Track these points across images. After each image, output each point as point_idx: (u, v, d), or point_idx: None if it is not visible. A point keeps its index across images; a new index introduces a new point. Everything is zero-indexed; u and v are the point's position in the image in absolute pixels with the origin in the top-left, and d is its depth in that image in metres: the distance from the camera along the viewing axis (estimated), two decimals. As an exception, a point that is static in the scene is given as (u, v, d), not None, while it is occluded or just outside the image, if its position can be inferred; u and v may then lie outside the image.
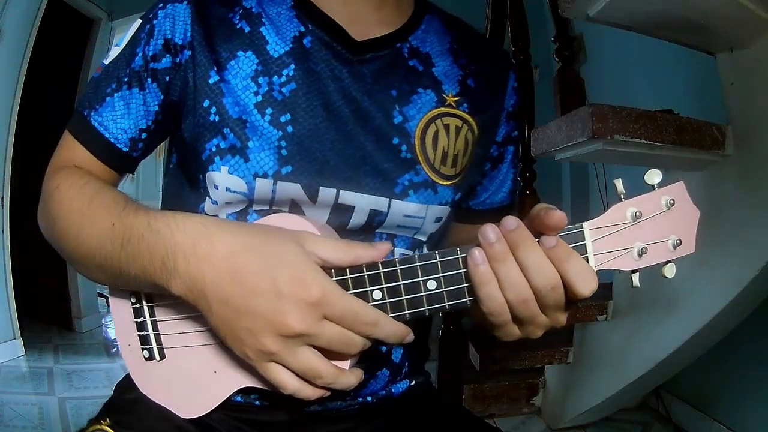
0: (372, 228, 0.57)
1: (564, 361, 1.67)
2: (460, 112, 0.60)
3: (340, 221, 0.56)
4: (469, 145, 0.60)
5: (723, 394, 1.61)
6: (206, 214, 0.56)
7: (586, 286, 0.41)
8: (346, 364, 0.45)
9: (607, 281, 1.58)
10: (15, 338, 2.60)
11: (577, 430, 1.72)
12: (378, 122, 0.56)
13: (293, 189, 0.54)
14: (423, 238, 0.60)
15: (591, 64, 2.37)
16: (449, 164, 0.58)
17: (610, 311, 1.50)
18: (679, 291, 1.27)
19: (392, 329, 0.44)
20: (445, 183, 0.58)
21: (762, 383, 1.47)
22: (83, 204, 0.50)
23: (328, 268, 0.44)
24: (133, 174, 0.62)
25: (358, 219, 0.56)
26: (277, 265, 0.42)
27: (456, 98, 0.60)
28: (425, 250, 0.62)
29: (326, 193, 0.54)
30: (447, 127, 0.58)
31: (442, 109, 0.59)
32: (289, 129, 0.53)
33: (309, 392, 0.44)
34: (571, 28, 1.87)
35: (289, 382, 0.44)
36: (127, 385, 0.57)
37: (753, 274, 1.06)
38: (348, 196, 0.55)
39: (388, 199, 0.55)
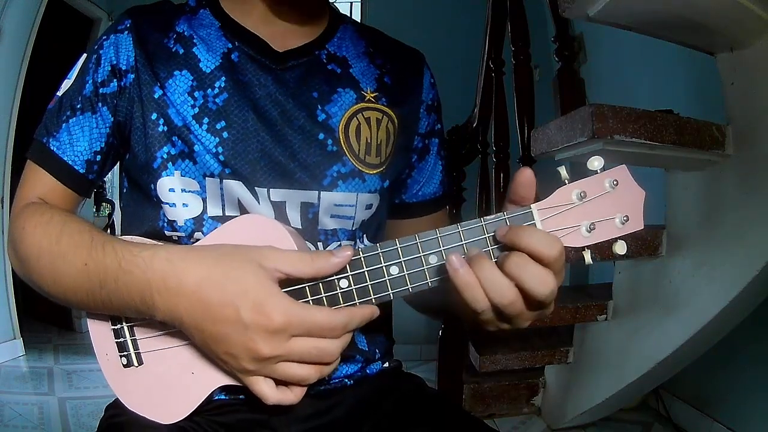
0: (311, 222, 0.60)
1: (564, 361, 1.67)
2: (379, 106, 0.65)
3: (282, 219, 0.59)
4: (390, 135, 0.65)
5: (723, 394, 1.61)
6: (167, 220, 0.59)
7: (544, 289, 0.43)
8: None
9: (608, 281, 1.58)
10: (15, 338, 2.61)
11: (577, 430, 1.72)
12: (303, 121, 0.60)
13: (237, 187, 0.58)
14: (358, 227, 0.64)
15: (591, 64, 2.38)
16: (374, 154, 0.63)
17: (610, 311, 1.50)
18: (679, 291, 1.27)
19: (361, 317, 0.47)
20: (371, 172, 0.63)
21: (762, 383, 1.47)
22: (52, 244, 0.53)
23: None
24: (90, 197, 0.65)
25: (293, 214, 0.60)
26: (238, 294, 0.45)
27: (374, 94, 0.65)
28: (365, 241, 0.67)
29: (262, 193, 0.59)
30: (368, 120, 0.63)
31: (363, 104, 0.64)
32: (225, 135, 0.58)
33: (291, 398, 0.48)
34: (571, 28, 1.87)
35: (271, 395, 0.47)
36: (115, 406, 0.59)
37: (753, 274, 1.06)
38: (278, 193, 0.59)
39: (317, 191, 0.60)
